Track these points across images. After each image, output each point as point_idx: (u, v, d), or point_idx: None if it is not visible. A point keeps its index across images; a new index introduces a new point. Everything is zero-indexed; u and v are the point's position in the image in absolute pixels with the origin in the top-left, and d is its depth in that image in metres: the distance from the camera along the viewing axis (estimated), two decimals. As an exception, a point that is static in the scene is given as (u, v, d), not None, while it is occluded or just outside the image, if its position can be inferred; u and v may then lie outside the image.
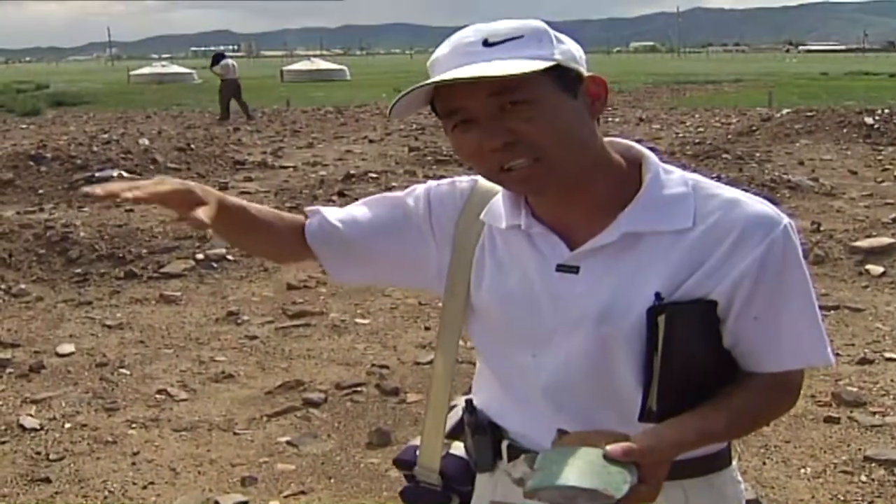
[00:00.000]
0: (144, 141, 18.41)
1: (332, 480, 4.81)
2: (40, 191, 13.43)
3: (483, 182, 1.90)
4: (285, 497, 4.63)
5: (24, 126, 26.94)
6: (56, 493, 4.71)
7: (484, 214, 1.85)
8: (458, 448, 1.98)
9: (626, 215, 1.68)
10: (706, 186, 1.73)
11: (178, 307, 7.85)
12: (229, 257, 9.15)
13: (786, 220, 1.69)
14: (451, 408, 1.99)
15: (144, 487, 4.74)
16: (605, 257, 1.69)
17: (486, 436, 1.88)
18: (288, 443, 5.21)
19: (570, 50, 1.66)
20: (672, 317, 1.62)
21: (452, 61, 1.62)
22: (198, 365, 6.44)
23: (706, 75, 48.93)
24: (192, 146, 17.80)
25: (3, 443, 5.26)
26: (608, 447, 1.49)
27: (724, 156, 15.27)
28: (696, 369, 1.68)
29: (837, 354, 6.28)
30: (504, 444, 1.86)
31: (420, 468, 1.98)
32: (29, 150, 15.72)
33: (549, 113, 1.61)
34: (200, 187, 1.72)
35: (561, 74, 1.62)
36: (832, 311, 7.23)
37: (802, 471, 4.77)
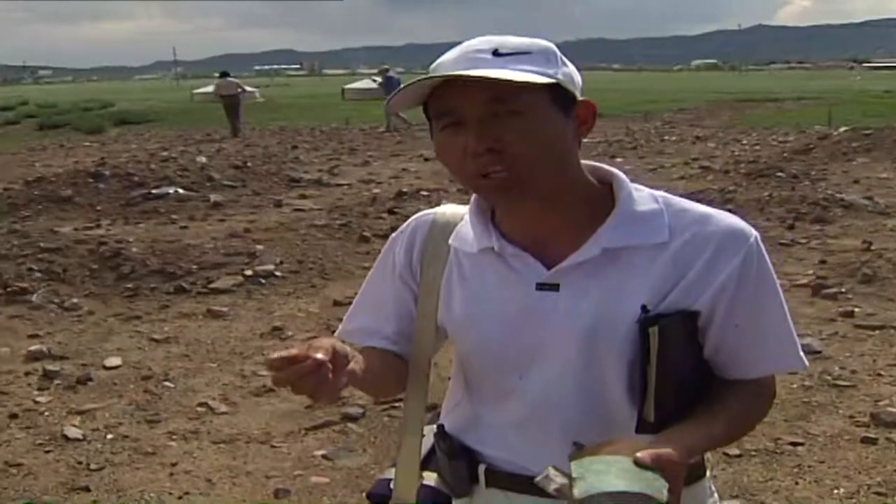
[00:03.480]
0: (202, 159, 18.66)
1: (364, 493, 4.86)
2: (98, 207, 13.70)
3: (443, 212, 1.96)
4: (316, 509, 4.71)
5: (87, 144, 27.50)
6: (94, 501, 4.83)
7: (452, 239, 1.89)
8: (430, 479, 1.98)
9: (605, 231, 1.72)
10: (676, 202, 1.78)
11: (225, 322, 7.97)
12: (277, 273, 9.28)
13: (755, 232, 1.76)
14: (423, 436, 1.99)
15: (180, 497, 4.84)
16: (586, 273, 1.72)
17: (461, 461, 1.89)
18: (323, 456, 5.29)
19: (570, 73, 1.71)
20: (664, 328, 1.66)
21: (458, 65, 1.66)
22: (240, 379, 6.53)
23: (768, 93, 48.33)
24: (249, 164, 18.02)
25: (47, 452, 5.41)
26: (638, 454, 1.49)
27: (779, 174, 15.12)
28: (686, 380, 1.73)
29: (879, 375, 6.24)
30: (481, 468, 1.87)
31: (395, 502, 1.97)
32: (89, 168, 16.04)
33: (539, 128, 1.65)
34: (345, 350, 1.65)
35: (558, 94, 1.67)
36: (877, 331, 7.16)
37: (835, 491, 4.74)
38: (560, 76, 1.67)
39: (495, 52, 1.66)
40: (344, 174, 18.36)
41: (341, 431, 5.62)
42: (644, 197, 1.77)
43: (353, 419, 5.76)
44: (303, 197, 15.11)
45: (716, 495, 1.96)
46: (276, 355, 1.53)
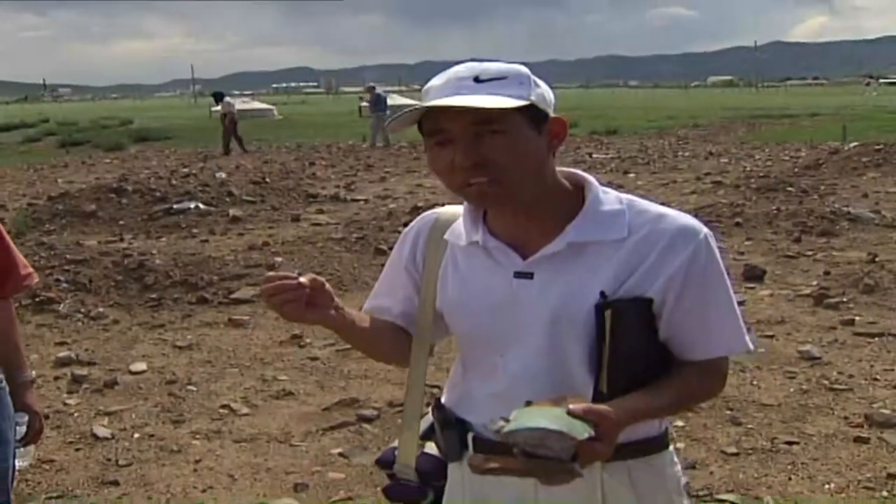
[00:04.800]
0: (221, 174, 19.00)
1: (378, 488, 5.11)
2: (121, 222, 14.03)
3: (445, 211, 2.25)
4: (333, 502, 4.97)
5: (107, 161, 27.90)
6: (123, 494, 5.11)
7: (447, 234, 2.17)
8: (431, 448, 2.27)
9: (572, 228, 1.99)
10: (638, 203, 2.05)
11: (246, 330, 8.24)
12: (296, 284, 9.53)
13: (706, 230, 2.02)
14: (426, 413, 2.29)
15: (203, 491, 5.12)
16: (555, 264, 2.00)
17: (453, 429, 2.16)
18: (340, 454, 5.55)
19: (543, 93, 1.98)
20: (617, 312, 1.93)
21: (445, 91, 1.93)
22: (261, 383, 6.80)
23: (783, 109, 48.57)
24: (268, 180, 18.36)
25: (77, 450, 5.69)
26: (571, 405, 1.77)
27: (788, 189, 15.33)
28: (638, 357, 1.98)
29: (875, 379, 6.46)
30: (470, 436, 2.14)
31: (398, 466, 2.27)
32: (111, 184, 16.38)
33: (517, 144, 1.92)
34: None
35: (532, 113, 1.94)
36: (876, 338, 7.39)
37: (826, 486, 4.97)
38: (533, 97, 1.94)
39: (476, 79, 1.93)
40: (360, 190, 18.66)
41: (357, 432, 5.88)
42: (610, 199, 2.04)
43: (368, 420, 6.02)
44: (320, 212, 15.42)
45: (678, 466, 2.21)
46: (272, 273, 1.95)
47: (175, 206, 14.55)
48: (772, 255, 10.62)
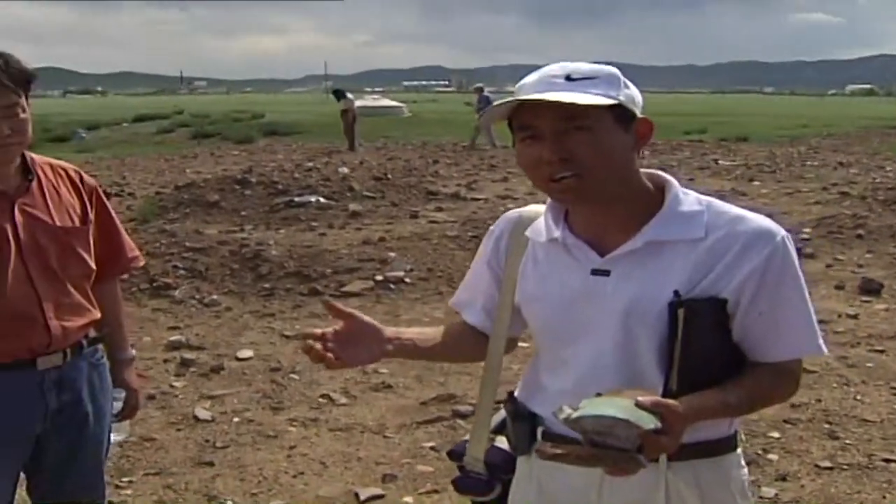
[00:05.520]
0: (344, 169, 19.23)
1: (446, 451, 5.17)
2: (243, 213, 14.32)
3: (528, 210, 2.29)
4: (419, 494, 5.03)
5: (235, 153, 28.52)
6: (217, 475, 5.26)
7: (528, 231, 2.22)
8: (501, 441, 2.31)
9: (651, 227, 2.02)
10: (718, 205, 2.07)
11: (353, 323, 8.35)
12: (407, 280, 9.67)
13: (783, 232, 2.02)
14: (498, 409, 2.33)
15: (294, 476, 5.24)
16: (632, 262, 2.03)
17: (523, 422, 2.20)
18: (431, 448, 5.61)
19: (632, 95, 2.01)
20: (690, 310, 1.95)
21: (537, 87, 1.98)
22: (361, 375, 6.90)
23: (925, 120, 47.07)
24: (390, 176, 18.50)
25: (178, 430, 5.89)
26: (639, 397, 1.79)
27: (917, 201, 14.89)
28: (709, 357, 2.00)
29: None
30: (539, 430, 2.18)
31: (469, 458, 2.33)
32: (236, 175, 16.76)
33: (602, 141, 1.96)
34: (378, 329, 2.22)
35: (620, 113, 1.97)
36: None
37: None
38: (622, 98, 1.97)
39: (568, 77, 1.97)
40: (481, 189, 18.70)
41: (450, 427, 5.95)
42: (689, 200, 2.07)
43: (463, 416, 6.07)
44: (439, 209, 15.51)
45: (745, 469, 2.21)
46: (310, 330, 2.11)
47: (296, 200, 14.79)
48: (892, 270, 10.32)
